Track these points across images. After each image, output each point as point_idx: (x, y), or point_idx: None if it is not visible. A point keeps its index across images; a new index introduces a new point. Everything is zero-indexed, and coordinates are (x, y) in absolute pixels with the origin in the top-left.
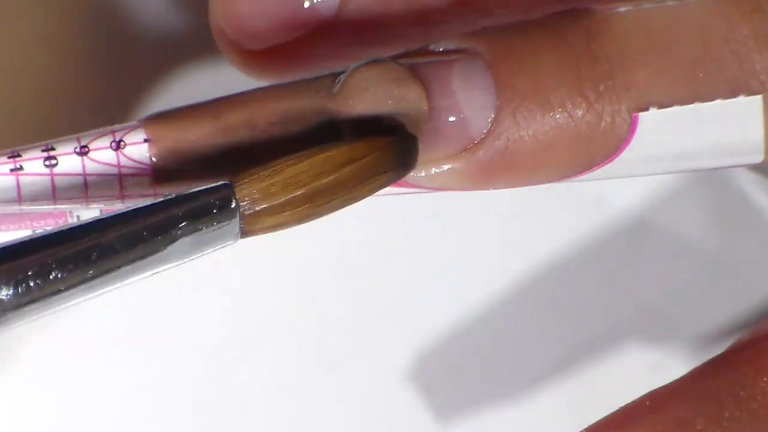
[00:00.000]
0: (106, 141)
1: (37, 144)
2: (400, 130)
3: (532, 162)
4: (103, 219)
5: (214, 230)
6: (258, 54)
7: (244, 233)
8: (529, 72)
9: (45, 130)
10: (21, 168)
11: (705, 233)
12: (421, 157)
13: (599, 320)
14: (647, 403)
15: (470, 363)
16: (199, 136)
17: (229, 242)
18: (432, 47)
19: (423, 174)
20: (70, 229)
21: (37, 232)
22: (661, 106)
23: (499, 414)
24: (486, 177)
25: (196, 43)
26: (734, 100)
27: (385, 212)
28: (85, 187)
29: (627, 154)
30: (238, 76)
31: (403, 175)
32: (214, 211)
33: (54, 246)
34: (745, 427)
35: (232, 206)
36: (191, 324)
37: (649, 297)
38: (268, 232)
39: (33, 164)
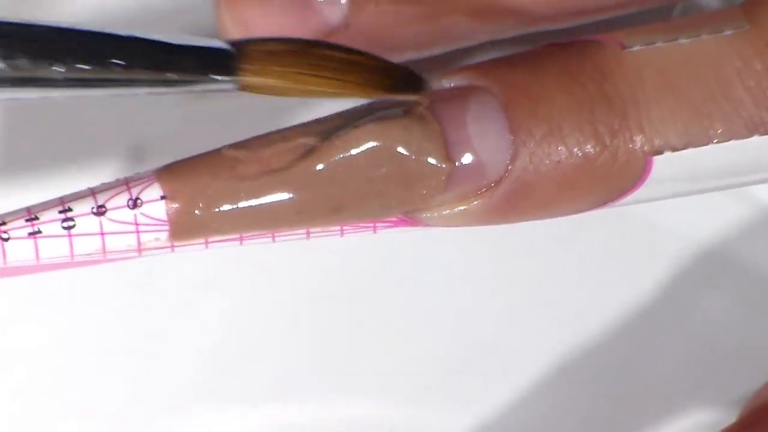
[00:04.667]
0: (122, 199)
1: (53, 201)
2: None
3: (547, 202)
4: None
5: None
6: None
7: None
8: (543, 114)
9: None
10: (39, 231)
11: None
12: (435, 199)
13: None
14: None
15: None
16: (215, 189)
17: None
18: (444, 83)
19: (436, 215)
20: (83, 30)
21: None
22: (675, 150)
23: None
24: (500, 216)
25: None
26: (749, 140)
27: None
28: (103, 246)
29: (642, 190)
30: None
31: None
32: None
33: (61, 38)
34: None
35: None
36: (190, 326)
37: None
38: (265, 77)
39: (50, 227)
